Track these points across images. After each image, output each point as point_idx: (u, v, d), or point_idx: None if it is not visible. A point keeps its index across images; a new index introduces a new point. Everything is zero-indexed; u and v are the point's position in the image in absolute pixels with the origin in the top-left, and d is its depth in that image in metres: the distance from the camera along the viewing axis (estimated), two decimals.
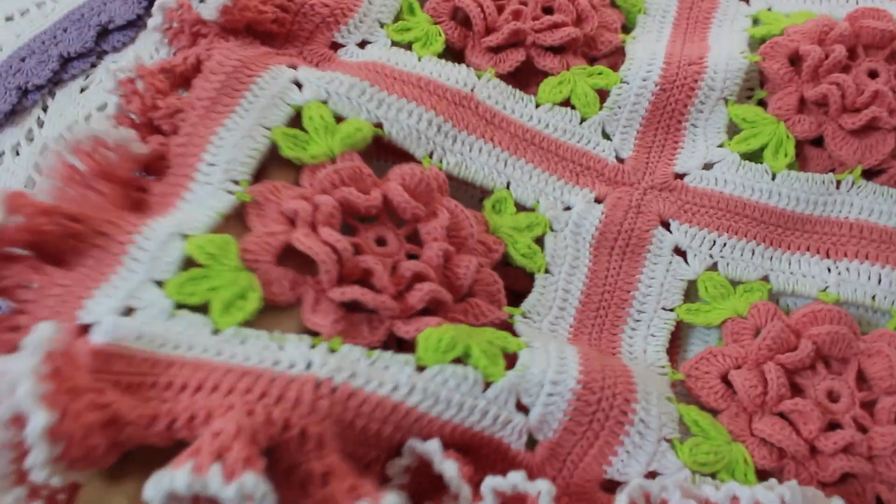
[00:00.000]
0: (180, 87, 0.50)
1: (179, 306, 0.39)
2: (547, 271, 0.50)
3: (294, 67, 0.51)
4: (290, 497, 0.34)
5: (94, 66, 0.65)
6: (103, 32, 0.65)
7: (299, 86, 0.50)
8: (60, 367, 0.32)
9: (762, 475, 0.44)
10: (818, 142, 0.55)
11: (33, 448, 0.30)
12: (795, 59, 0.56)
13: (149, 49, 0.64)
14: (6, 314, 0.40)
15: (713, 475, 0.42)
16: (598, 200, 0.53)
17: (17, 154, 0.61)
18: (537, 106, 0.56)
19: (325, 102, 0.49)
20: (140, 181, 0.46)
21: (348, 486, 0.33)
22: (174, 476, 0.30)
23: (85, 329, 0.38)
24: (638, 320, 0.51)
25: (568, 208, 0.52)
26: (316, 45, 0.55)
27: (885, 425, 0.44)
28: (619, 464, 0.42)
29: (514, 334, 0.46)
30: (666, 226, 0.53)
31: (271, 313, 0.41)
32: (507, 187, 0.52)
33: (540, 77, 0.57)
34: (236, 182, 0.45)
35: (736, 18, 0.62)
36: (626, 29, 0.62)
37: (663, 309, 0.51)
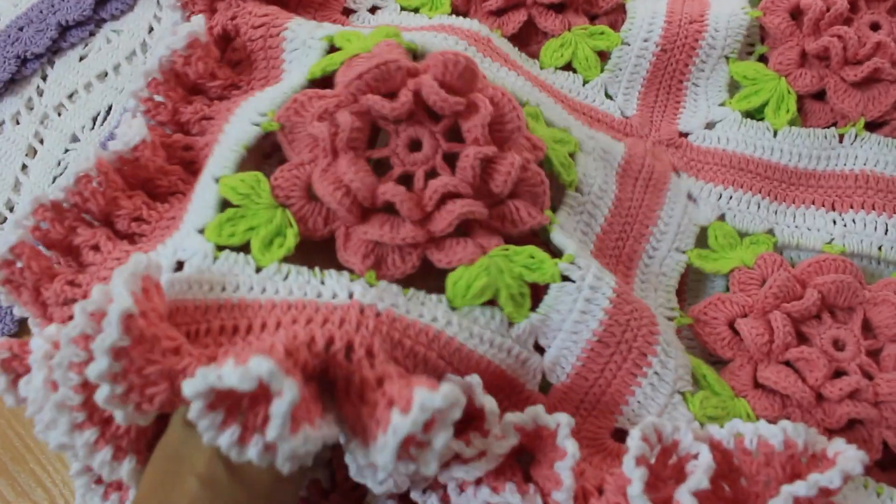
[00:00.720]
0: None
1: (221, 248, 0.40)
2: (577, 189, 0.48)
3: None
4: (353, 413, 0.35)
5: (92, 34, 0.65)
6: (101, 0, 0.65)
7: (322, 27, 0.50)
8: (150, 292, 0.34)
9: None
10: (820, 96, 0.55)
11: (107, 333, 0.31)
12: (796, 13, 0.56)
13: (148, 16, 0.64)
14: (69, 270, 0.42)
15: None
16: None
17: (18, 123, 0.61)
18: (541, 69, 0.57)
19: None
20: (185, 140, 0.46)
21: (405, 382, 0.34)
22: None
23: None
24: (652, 256, 0.50)
25: (593, 138, 0.51)
26: (329, 10, 0.55)
27: (891, 372, 0.44)
28: (631, 413, 0.43)
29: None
30: (678, 173, 0.53)
31: (308, 247, 0.41)
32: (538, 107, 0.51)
33: (541, 38, 0.58)
34: (263, 114, 0.44)
35: None
36: None
37: (676, 250, 0.51)
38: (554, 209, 0.46)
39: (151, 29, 0.63)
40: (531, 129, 0.45)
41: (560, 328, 0.42)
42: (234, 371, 0.30)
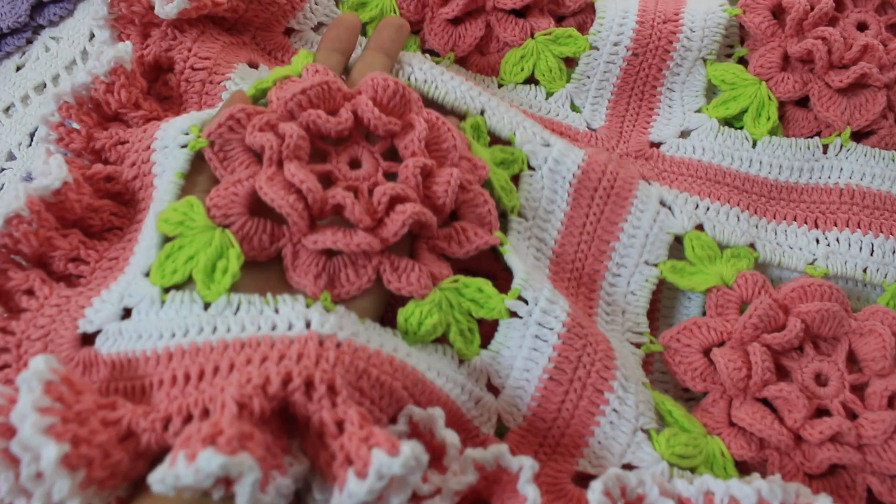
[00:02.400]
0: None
1: (167, 290, 0.37)
2: (520, 215, 0.46)
3: (254, 65, 0.49)
4: (313, 451, 0.33)
5: (29, 42, 0.60)
6: (38, 5, 0.60)
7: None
8: (63, 395, 0.31)
9: (743, 467, 0.41)
10: (803, 102, 0.51)
11: (54, 482, 0.29)
12: (778, 12, 0.52)
13: (88, 23, 0.60)
14: (0, 317, 0.39)
15: (692, 469, 0.39)
16: None
17: None
18: (500, 87, 0.53)
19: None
20: (106, 171, 0.43)
21: (364, 434, 0.31)
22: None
23: (86, 338, 0.38)
24: (618, 274, 0.46)
25: (547, 144, 0.47)
26: (271, 31, 0.52)
27: (876, 411, 0.40)
28: (591, 455, 0.40)
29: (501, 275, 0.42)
30: (648, 181, 0.48)
31: (257, 269, 0.38)
32: (482, 114, 0.47)
33: (502, 47, 0.53)
34: (186, 132, 0.41)
35: None
36: None
37: (646, 263, 0.47)
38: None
39: (92, 36, 0.59)
40: (472, 150, 0.44)
41: (512, 366, 0.40)
42: (188, 471, 0.29)
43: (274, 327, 0.36)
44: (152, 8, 0.46)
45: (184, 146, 0.40)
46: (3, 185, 0.54)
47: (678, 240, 0.47)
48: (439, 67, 0.48)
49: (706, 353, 0.44)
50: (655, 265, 0.47)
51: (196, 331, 0.36)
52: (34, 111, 0.57)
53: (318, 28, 0.53)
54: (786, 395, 0.41)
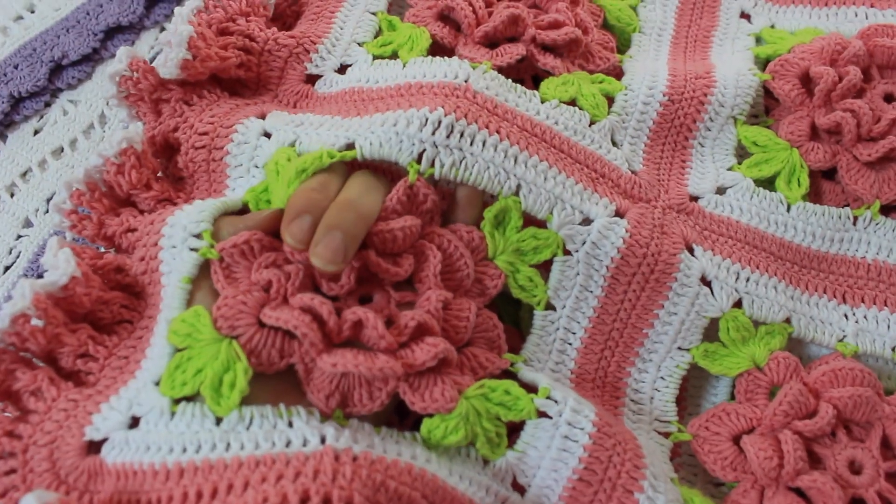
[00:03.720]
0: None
1: (177, 401, 0.36)
2: (548, 306, 0.45)
3: (262, 116, 0.47)
4: None
5: (48, 105, 0.60)
6: (57, 68, 0.60)
7: (269, 136, 0.46)
8: None
9: None
10: (832, 173, 0.50)
11: None
12: (806, 81, 0.51)
13: (105, 86, 0.59)
14: (7, 418, 0.38)
15: None
16: (618, 214, 0.46)
17: None
18: (542, 102, 0.49)
19: (293, 145, 0.45)
20: (116, 262, 0.42)
21: None
22: None
23: (92, 445, 0.37)
24: (648, 360, 0.45)
25: (587, 221, 0.45)
26: (290, 82, 0.50)
27: None
28: None
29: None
30: (691, 251, 0.46)
31: (268, 377, 0.38)
32: (517, 192, 0.44)
33: (541, 76, 0.52)
34: (198, 236, 0.40)
35: (738, 37, 0.57)
36: (620, 52, 0.57)
37: (678, 349, 0.45)
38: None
39: None
40: (492, 250, 0.44)
41: (539, 465, 0.39)
42: None
43: (288, 443, 0.35)
44: (163, 83, 0.46)
45: (193, 249, 0.40)
46: (19, 252, 0.54)
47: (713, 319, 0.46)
48: (472, 127, 0.44)
49: (736, 440, 0.43)
50: (688, 350, 0.46)
51: (209, 447, 0.35)
52: (51, 177, 0.57)
53: (342, 70, 0.50)
54: (820, 486, 0.40)
